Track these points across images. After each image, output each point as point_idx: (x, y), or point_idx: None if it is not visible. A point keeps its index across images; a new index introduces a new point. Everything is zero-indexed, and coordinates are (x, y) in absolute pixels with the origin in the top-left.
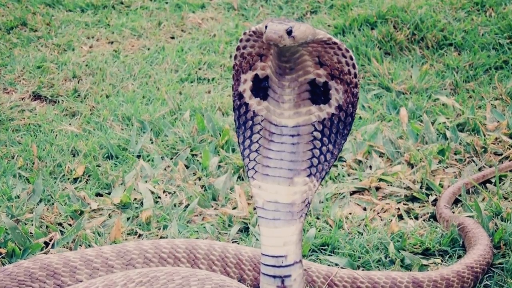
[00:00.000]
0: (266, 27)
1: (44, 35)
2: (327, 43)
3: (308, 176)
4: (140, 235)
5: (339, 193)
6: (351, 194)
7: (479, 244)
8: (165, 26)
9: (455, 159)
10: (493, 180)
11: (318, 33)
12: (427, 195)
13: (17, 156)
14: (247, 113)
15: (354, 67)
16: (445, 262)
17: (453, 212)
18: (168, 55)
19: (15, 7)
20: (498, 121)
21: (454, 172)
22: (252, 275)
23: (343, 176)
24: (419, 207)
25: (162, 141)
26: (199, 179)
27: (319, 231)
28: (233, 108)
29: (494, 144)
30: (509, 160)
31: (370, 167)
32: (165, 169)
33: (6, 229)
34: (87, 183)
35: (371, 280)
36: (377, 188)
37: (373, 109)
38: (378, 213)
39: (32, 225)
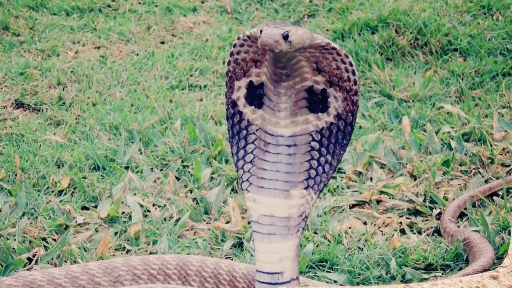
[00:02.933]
0: (261, 31)
1: (27, 40)
2: (325, 48)
3: (306, 188)
4: (128, 251)
5: (338, 206)
6: (350, 208)
7: (482, 257)
8: (154, 31)
9: (460, 171)
10: (500, 193)
11: (316, 37)
12: (431, 208)
13: None
14: (241, 122)
15: (353, 73)
16: (445, 275)
17: (458, 227)
18: (158, 61)
19: None
20: (506, 131)
21: (459, 184)
22: None
23: (342, 188)
24: (423, 221)
25: (151, 152)
26: (191, 192)
27: (317, 246)
28: (227, 117)
29: (501, 154)
30: None
31: (371, 179)
32: (154, 181)
33: None
34: (72, 195)
35: None
36: (378, 201)
37: (373, 118)
38: (379, 227)
39: (15, 240)
